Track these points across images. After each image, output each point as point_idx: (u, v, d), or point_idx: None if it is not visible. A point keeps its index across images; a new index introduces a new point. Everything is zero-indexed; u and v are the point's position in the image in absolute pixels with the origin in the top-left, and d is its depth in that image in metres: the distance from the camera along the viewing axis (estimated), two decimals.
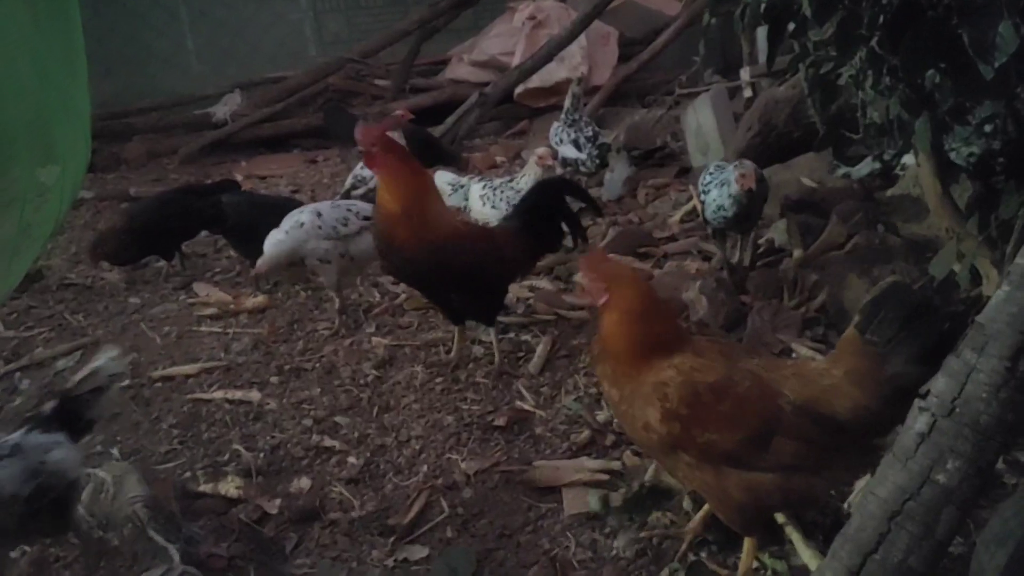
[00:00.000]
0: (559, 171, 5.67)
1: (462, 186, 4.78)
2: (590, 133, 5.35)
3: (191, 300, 4.63)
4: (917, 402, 1.73)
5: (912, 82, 2.95)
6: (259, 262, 3.92)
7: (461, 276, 3.35)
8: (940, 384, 1.72)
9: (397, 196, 3.28)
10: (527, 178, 4.45)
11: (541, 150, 4.61)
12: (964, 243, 3.06)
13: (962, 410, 1.68)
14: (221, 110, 8.29)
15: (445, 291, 3.45)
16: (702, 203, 3.87)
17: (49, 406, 2.51)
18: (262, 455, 3.13)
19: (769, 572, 2.27)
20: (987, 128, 3.19)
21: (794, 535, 2.37)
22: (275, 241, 3.89)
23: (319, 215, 3.94)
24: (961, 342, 1.73)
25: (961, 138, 3.24)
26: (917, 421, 1.72)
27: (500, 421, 3.17)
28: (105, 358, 2.53)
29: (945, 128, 3.09)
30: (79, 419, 2.50)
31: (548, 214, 3.69)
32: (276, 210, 4.13)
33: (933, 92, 2.88)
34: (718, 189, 3.75)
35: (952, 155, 3.24)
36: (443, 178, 4.86)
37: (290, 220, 3.94)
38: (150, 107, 8.67)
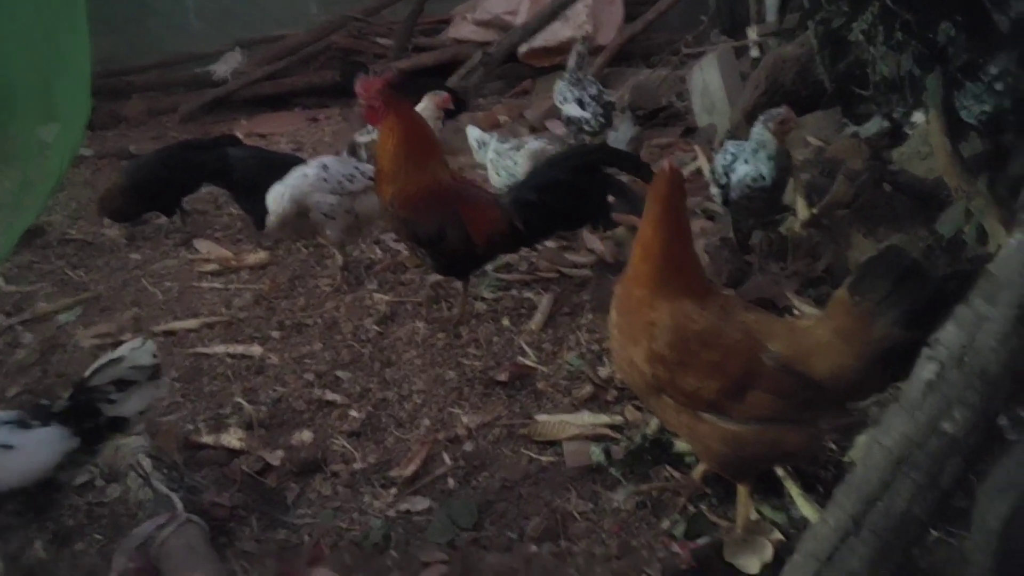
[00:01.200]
0: (562, 131, 5.62)
1: (485, 143, 4.55)
2: (594, 92, 5.28)
3: (192, 256, 4.61)
4: (925, 351, 1.72)
5: (925, 36, 2.90)
6: (267, 221, 3.88)
7: (422, 240, 3.37)
8: (949, 333, 1.70)
9: (388, 151, 3.32)
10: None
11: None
12: (973, 201, 3.02)
13: (971, 359, 1.66)
14: (222, 68, 8.20)
15: (416, 246, 3.47)
16: (723, 188, 3.61)
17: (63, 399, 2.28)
18: (264, 408, 3.13)
19: (769, 524, 2.28)
20: (999, 86, 3.15)
21: (793, 488, 2.37)
22: (278, 194, 3.85)
23: (325, 168, 3.90)
24: (972, 291, 1.71)
25: (973, 95, 3.19)
26: (925, 370, 1.70)
27: (502, 376, 3.16)
28: (129, 348, 2.29)
29: (957, 84, 3.05)
30: (94, 414, 2.24)
31: (573, 196, 3.35)
32: (281, 166, 4.09)
33: (946, 47, 2.83)
34: (750, 160, 3.47)
35: (963, 113, 3.19)
36: (472, 134, 4.66)
37: (295, 172, 3.91)
38: (150, 65, 8.56)
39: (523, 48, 7.71)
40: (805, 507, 2.31)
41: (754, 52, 6.05)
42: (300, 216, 3.87)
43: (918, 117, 3.98)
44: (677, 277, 2.20)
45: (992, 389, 1.66)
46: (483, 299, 3.77)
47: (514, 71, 7.88)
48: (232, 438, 2.93)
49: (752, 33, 6.09)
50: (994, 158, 3.13)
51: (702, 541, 2.26)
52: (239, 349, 3.56)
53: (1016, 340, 1.65)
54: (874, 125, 4.35)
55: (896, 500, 1.68)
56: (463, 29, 8.40)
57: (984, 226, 3.02)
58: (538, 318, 3.54)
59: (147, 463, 2.64)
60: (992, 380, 1.66)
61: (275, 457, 2.83)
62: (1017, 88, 3.11)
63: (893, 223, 3.38)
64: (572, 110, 5.25)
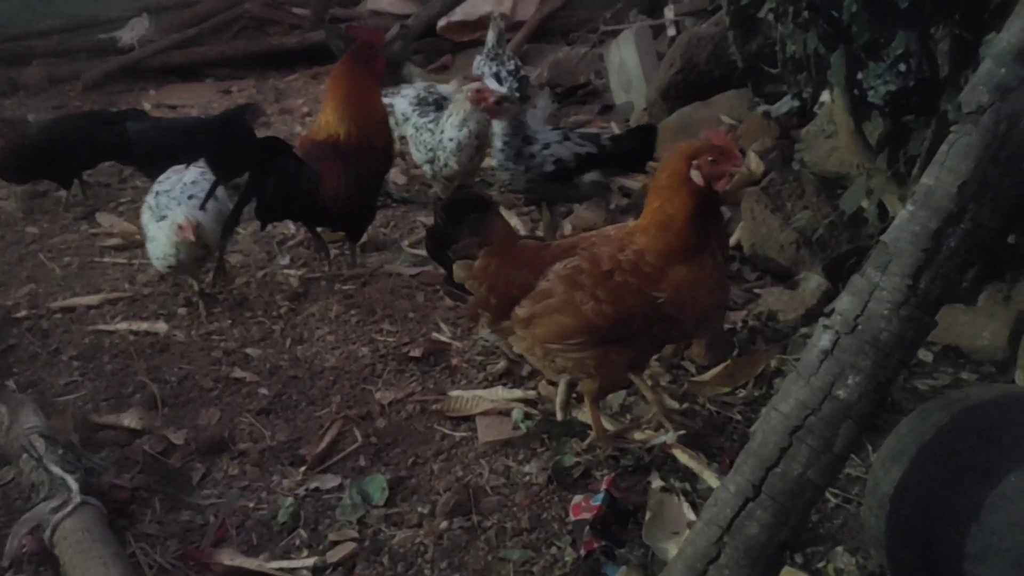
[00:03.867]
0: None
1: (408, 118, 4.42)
2: (512, 67, 5.27)
3: (93, 230, 4.42)
4: (822, 320, 1.76)
5: (829, 15, 2.97)
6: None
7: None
8: (844, 302, 1.75)
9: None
10: (454, 118, 4.09)
11: (476, 85, 4.21)
12: (873, 179, 3.12)
13: (864, 327, 1.71)
14: (128, 34, 7.86)
15: None
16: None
17: None
18: (168, 387, 3.03)
19: (679, 493, 2.31)
20: (902, 66, 3.25)
21: (690, 462, 2.41)
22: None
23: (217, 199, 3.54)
24: (866, 261, 1.76)
25: (875, 75, 3.28)
26: (821, 339, 1.74)
27: (416, 352, 3.13)
28: None
29: (860, 64, 3.13)
30: None
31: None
32: (185, 133, 3.94)
33: (850, 25, 2.90)
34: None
35: (870, 94, 3.28)
36: (399, 106, 4.50)
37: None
38: (50, 30, 8.15)
39: (442, 22, 7.63)
40: (707, 475, 2.35)
41: (671, 31, 6.11)
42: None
43: (825, 96, 4.08)
44: None
45: (884, 356, 1.71)
46: (399, 275, 3.72)
47: (433, 45, 7.80)
48: (133, 418, 2.83)
49: (669, 12, 6.15)
50: (896, 137, 3.23)
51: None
52: (143, 326, 3.43)
53: (907, 309, 1.70)
54: (784, 104, 4.45)
55: (792, 465, 1.72)
56: (381, 1, 8.26)
57: (884, 203, 3.12)
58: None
59: (41, 444, 2.52)
60: (884, 347, 1.71)
61: (179, 437, 2.75)
62: (920, 68, 3.22)
63: (800, 199, 3.46)
64: (490, 85, 5.21)
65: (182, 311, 3.55)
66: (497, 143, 3.69)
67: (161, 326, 3.41)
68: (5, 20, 7.85)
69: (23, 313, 3.58)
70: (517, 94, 5.13)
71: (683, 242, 2.31)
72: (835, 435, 1.74)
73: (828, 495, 2.25)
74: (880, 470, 2.00)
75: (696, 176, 2.29)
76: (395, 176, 4.75)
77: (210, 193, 3.38)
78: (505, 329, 2.48)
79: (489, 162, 4.08)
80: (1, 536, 2.33)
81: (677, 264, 2.30)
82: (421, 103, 4.42)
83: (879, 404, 1.77)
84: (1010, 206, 1.70)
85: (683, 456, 2.42)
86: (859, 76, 3.16)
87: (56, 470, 2.42)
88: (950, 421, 1.96)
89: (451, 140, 4.05)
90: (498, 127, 3.68)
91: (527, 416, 2.68)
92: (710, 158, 2.29)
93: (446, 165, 4.09)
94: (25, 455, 2.54)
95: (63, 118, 4.82)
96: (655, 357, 2.73)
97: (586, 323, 2.32)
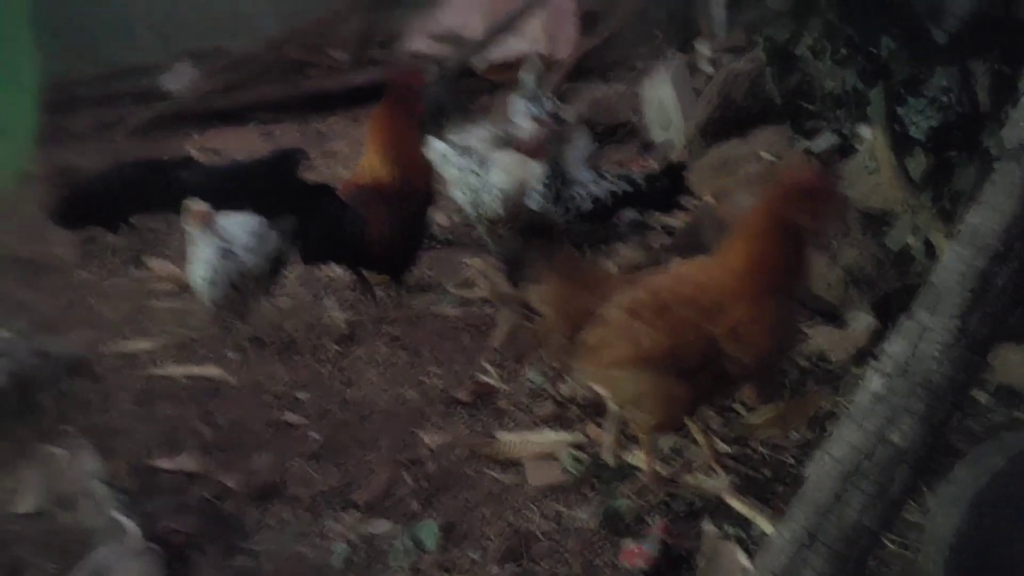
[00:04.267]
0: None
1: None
2: (550, 107, 5.32)
3: (142, 275, 4.53)
4: (872, 363, 1.76)
5: (868, 51, 2.99)
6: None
7: None
8: (894, 345, 1.75)
9: None
10: (501, 168, 4.03)
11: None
12: (919, 216, 3.11)
13: (915, 369, 1.71)
14: (173, 80, 8.06)
15: None
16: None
17: None
18: (222, 431, 3.08)
19: (733, 539, 2.30)
20: (944, 99, 3.24)
21: (743, 508, 2.40)
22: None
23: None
24: (914, 302, 1.76)
25: (916, 110, 3.28)
26: (872, 382, 1.75)
27: (463, 395, 3.16)
28: None
29: (899, 99, 3.14)
30: None
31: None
32: (234, 175, 4.04)
33: (888, 62, 2.92)
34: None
35: (912, 129, 3.28)
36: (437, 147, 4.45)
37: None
38: (96, 77, 8.39)
39: (483, 63, 7.73)
40: (762, 522, 2.34)
41: (707, 67, 6.14)
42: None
43: (866, 132, 4.07)
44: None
45: (936, 398, 1.71)
46: (444, 316, 3.77)
47: (469, 86, 7.89)
48: (189, 461, 2.88)
49: (704, 49, 6.19)
50: (939, 173, 3.22)
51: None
52: (195, 370, 3.51)
53: (958, 350, 1.70)
54: (824, 140, 4.44)
55: (847, 511, 1.72)
56: (417, 43, 8.40)
57: (931, 240, 3.10)
58: (499, 335, 3.54)
59: (100, 488, 2.59)
60: (936, 389, 1.71)
61: (233, 481, 2.79)
62: (960, 103, 3.21)
63: (845, 237, 3.46)
64: (526, 125, 5.26)
65: (232, 355, 3.61)
66: (537, 185, 3.73)
67: (213, 370, 3.48)
68: (52, 68, 8.08)
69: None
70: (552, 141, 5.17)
71: (773, 283, 2.32)
72: (890, 480, 1.74)
73: (885, 541, 2.22)
74: (938, 516, 1.98)
75: (802, 219, 2.29)
76: (438, 217, 4.80)
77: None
78: (572, 355, 2.55)
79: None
80: None
81: (757, 302, 2.31)
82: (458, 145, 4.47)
83: (933, 447, 1.76)
84: None
85: (735, 501, 2.41)
86: (899, 112, 3.17)
87: (118, 516, 2.47)
88: (1006, 465, 1.94)
89: (499, 189, 4.06)
90: (538, 169, 3.73)
91: (576, 459, 2.68)
92: (811, 199, 2.30)
93: (491, 209, 4.12)
94: (84, 499, 2.60)
95: (116, 166, 4.95)
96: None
97: (642, 353, 2.36)
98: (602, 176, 3.80)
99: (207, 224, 3.49)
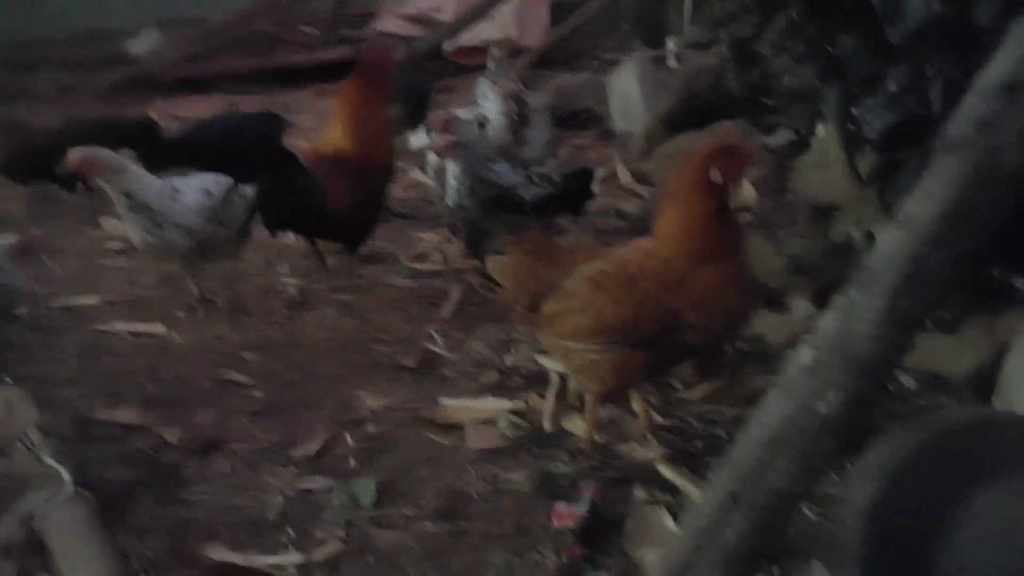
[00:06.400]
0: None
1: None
2: (514, 78, 5.32)
3: (97, 234, 4.47)
4: (804, 337, 1.82)
5: (826, 50, 3.06)
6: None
7: None
8: (826, 321, 1.81)
9: None
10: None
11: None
12: (863, 209, 3.20)
13: (844, 345, 1.76)
14: (139, 46, 7.95)
15: None
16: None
17: None
18: (164, 386, 3.07)
19: (663, 505, 2.35)
20: (898, 99, 3.32)
21: (675, 477, 2.46)
22: None
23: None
24: (849, 283, 1.82)
25: (870, 110, 3.36)
26: (803, 354, 1.80)
27: (409, 362, 3.19)
28: None
29: (854, 98, 3.21)
30: None
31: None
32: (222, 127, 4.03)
33: (844, 62, 2.99)
34: None
35: (866, 128, 3.36)
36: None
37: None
38: (60, 39, 8.25)
39: (449, 47, 7.73)
40: (693, 492, 2.39)
41: (672, 62, 6.21)
42: None
43: (820, 129, 4.16)
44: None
45: (863, 373, 1.77)
46: (395, 287, 3.78)
47: (436, 68, 7.88)
48: (129, 414, 2.87)
49: (671, 44, 6.27)
50: (887, 170, 3.30)
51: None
52: (142, 327, 3.48)
53: (886, 329, 1.76)
54: (781, 136, 4.53)
55: (770, 475, 1.76)
56: (389, 23, 8.38)
57: (872, 232, 3.19)
58: (448, 307, 3.57)
59: (36, 435, 2.57)
60: (863, 365, 1.76)
61: (173, 434, 2.79)
62: (916, 102, 3.30)
63: (792, 226, 3.54)
64: (490, 107, 5.28)
65: (181, 314, 3.59)
66: (452, 182, 3.66)
67: (160, 328, 3.46)
68: (15, 29, 7.93)
69: (23, 311, 3.62)
70: (516, 118, 5.20)
71: (706, 246, 2.38)
72: (813, 448, 1.79)
73: (807, 511, 2.29)
74: (855, 485, 2.05)
75: (715, 175, 2.38)
76: (396, 192, 4.81)
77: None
78: (535, 324, 2.62)
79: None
80: None
81: (701, 270, 2.37)
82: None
83: (858, 421, 1.83)
84: (991, 238, 1.77)
85: (667, 470, 2.46)
86: (853, 111, 3.24)
87: (50, 461, 2.46)
88: (926, 439, 2.01)
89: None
90: (454, 167, 3.65)
91: (515, 425, 2.72)
92: (725, 157, 2.39)
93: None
94: (20, 446, 2.58)
95: (73, 122, 4.87)
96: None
97: (603, 325, 2.41)
98: (525, 174, 3.76)
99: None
